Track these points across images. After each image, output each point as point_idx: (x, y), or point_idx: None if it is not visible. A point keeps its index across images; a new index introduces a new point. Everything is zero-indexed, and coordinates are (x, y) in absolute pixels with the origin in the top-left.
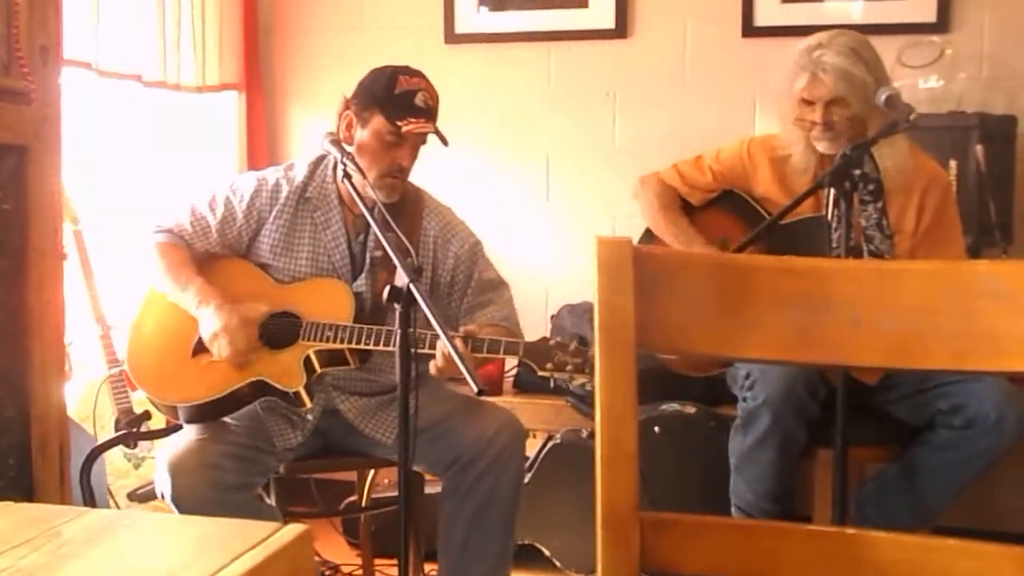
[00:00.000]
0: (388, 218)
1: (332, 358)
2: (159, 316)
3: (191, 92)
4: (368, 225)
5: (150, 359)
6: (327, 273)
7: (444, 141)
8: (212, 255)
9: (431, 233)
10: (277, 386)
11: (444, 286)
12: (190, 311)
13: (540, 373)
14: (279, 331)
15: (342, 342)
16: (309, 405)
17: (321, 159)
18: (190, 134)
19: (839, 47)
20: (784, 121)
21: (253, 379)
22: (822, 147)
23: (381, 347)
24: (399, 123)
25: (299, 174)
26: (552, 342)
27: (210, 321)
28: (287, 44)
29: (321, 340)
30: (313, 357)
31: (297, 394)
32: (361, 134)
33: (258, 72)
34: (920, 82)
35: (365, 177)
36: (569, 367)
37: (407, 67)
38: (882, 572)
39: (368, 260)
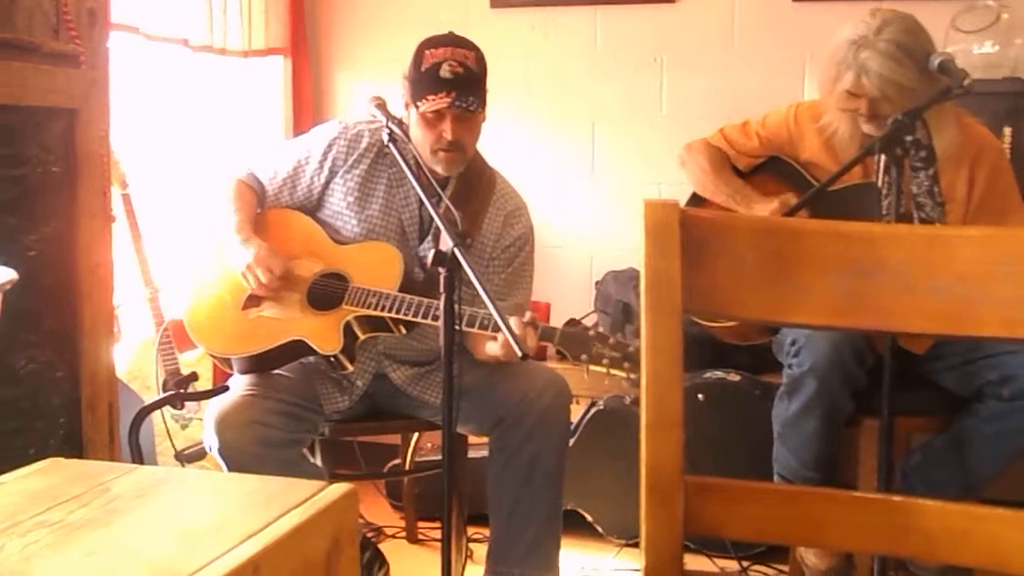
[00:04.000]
0: (439, 188)
1: (375, 325)
2: (215, 270)
3: (237, 56)
4: (438, 197)
5: (204, 311)
6: (395, 230)
7: (476, 109)
8: (278, 208)
9: (502, 212)
10: (315, 347)
11: (489, 259)
12: (230, 243)
13: (573, 364)
14: (325, 292)
15: (383, 310)
16: (350, 368)
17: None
18: (236, 98)
19: (885, 46)
20: (827, 107)
21: (293, 338)
22: (868, 130)
23: (420, 319)
24: (419, 104)
25: (380, 132)
26: (591, 332)
27: (240, 254)
28: (333, 8)
29: (363, 306)
30: (354, 323)
31: (336, 358)
32: (412, 112)
33: (304, 36)
34: (975, 47)
35: (410, 141)
36: (606, 360)
37: (435, 37)
38: (929, 540)
39: (435, 227)
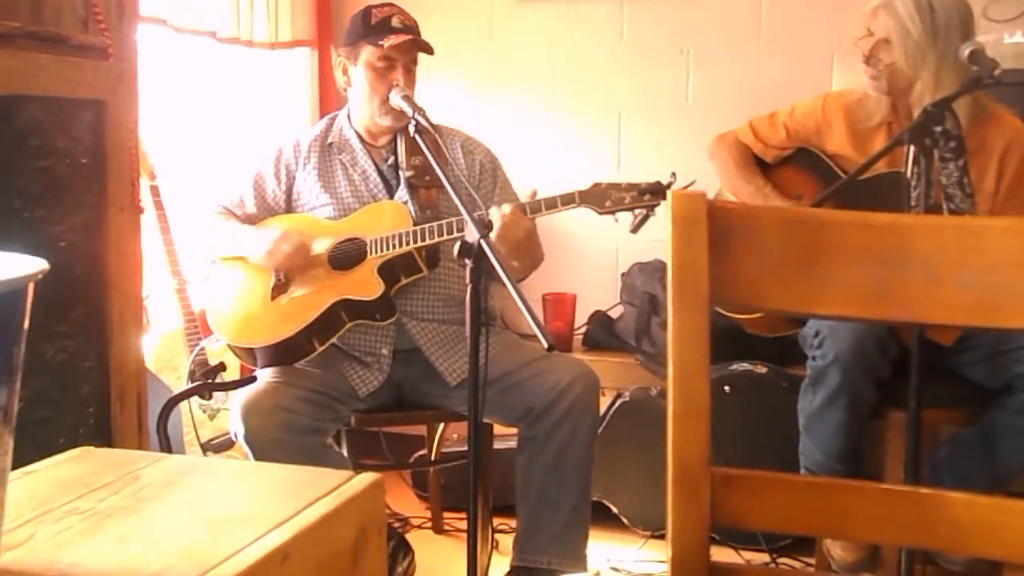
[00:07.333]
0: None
1: (404, 266)
2: (234, 273)
3: (264, 48)
4: (394, 151)
5: (233, 313)
6: (369, 201)
7: (429, 51)
8: (264, 220)
9: (456, 146)
10: (359, 298)
11: (475, 190)
12: (247, 249)
13: (601, 213)
14: (348, 254)
15: (407, 245)
16: (393, 319)
17: (335, 115)
18: (263, 90)
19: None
20: (853, 43)
21: (335, 299)
22: (867, 84)
23: (446, 236)
24: (382, 42)
25: (316, 128)
26: (604, 184)
27: (264, 239)
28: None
29: (388, 250)
30: (386, 266)
31: (380, 302)
32: (355, 71)
33: (330, 28)
34: (1005, 37)
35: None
36: (627, 200)
37: (377, 2)
38: (958, 533)
39: (402, 180)
